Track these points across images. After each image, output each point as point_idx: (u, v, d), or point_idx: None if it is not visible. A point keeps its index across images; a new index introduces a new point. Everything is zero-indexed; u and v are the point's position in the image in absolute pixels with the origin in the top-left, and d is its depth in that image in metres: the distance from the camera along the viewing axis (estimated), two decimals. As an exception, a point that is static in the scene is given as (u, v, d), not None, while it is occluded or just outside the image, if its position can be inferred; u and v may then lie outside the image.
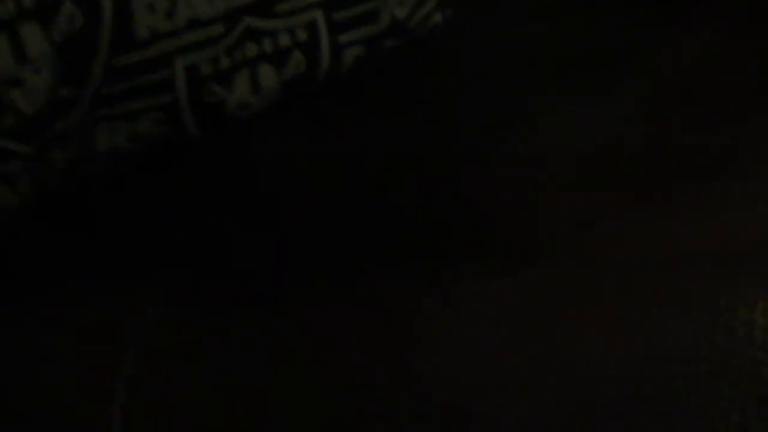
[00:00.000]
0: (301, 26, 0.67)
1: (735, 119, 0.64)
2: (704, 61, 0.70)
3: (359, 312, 0.56)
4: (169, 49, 0.63)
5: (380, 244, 0.60)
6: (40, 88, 0.60)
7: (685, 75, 0.69)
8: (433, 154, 0.66)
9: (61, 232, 0.64)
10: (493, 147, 0.66)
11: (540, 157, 0.64)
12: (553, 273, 0.56)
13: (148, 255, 0.61)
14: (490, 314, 0.55)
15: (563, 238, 0.58)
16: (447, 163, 0.65)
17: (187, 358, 0.55)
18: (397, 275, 0.58)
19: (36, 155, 0.62)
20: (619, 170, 0.63)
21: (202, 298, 0.58)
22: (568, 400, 0.50)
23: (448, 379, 0.51)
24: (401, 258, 0.59)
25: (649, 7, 0.74)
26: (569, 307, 0.54)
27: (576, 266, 0.57)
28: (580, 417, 0.50)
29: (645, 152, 0.63)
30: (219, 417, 0.52)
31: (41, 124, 0.61)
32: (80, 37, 0.61)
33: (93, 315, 0.57)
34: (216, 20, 0.64)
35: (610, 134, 0.65)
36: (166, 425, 0.52)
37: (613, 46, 0.72)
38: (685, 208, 0.59)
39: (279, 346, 0.55)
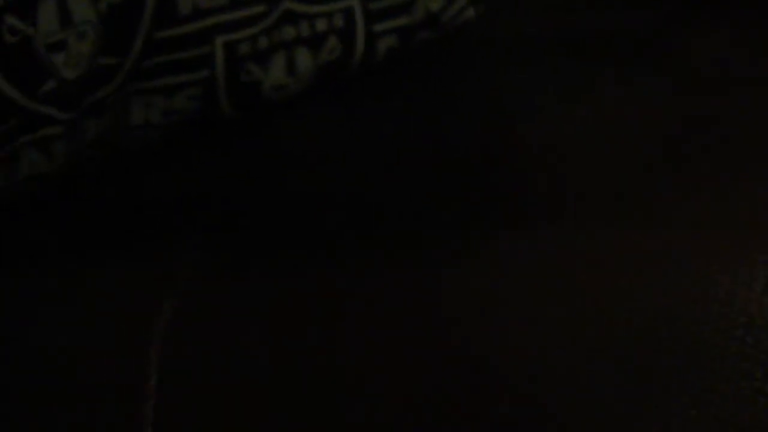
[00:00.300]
0: (338, 12, 0.68)
1: (755, 100, 0.67)
2: (720, 52, 0.74)
3: (388, 275, 0.57)
4: (210, 25, 0.64)
5: (410, 213, 0.61)
6: (82, 54, 0.60)
7: (705, 64, 0.73)
8: (464, 132, 0.68)
9: (95, 198, 0.64)
10: (519, 127, 0.68)
11: (566, 134, 0.67)
12: (582, 233, 0.58)
13: (180, 221, 0.62)
14: (521, 270, 0.56)
15: (590, 204, 0.61)
16: (477, 140, 0.67)
17: (220, 309, 0.56)
18: (427, 241, 0.59)
19: (72, 123, 0.62)
20: (645, 144, 0.65)
21: (232, 258, 0.59)
22: (606, 349, 0.51)
23: (489, 341, 0.53)
24: (432, 226, 0.60)
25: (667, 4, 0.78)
26: (601, 262, 0.56)
27: (605, 226, 0.59)
28: (617, 364, 0.51)
29: (669, 130, 0.66)
30: (252, 361, 0.53)
31: (81, 92, 0.61)
32: (125, 7, 0.61)
33: (131, 270, 0.58)
34: (257, 0, 0.65)
35: (635, 113, 0.68)
36: (202, 371, 0.52)
37: (631, 38, 0.76)
38: (712, 179, 0.62)
39: (307, 297, 0.56)
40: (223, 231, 0.62)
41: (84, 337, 0.55)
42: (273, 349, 0.53)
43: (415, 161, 0.65)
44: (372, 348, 0.53)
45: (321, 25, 0.68)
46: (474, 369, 0.51)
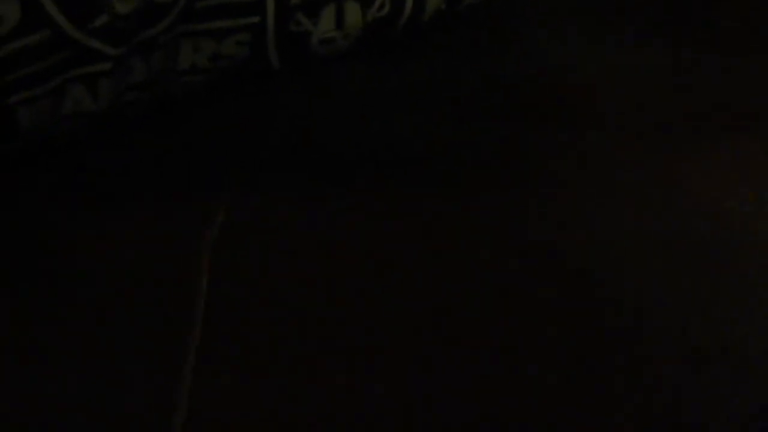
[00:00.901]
0: (389, -31, 0.68)
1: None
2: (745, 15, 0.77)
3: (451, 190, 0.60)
4: (264, -29, 0.64)
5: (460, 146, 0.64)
6: (137, -11, 0.60)
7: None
8: (512, 81, 0.70)
9: (140, 137, 0.64)
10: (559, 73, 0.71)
11: (597, 76, 0.70)
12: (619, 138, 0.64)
13: (230, 152, 0.63)
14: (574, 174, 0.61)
15: (620, 121, 0.66)
16: (523, 77, 0.70)
17: (267, 228, 0.57)
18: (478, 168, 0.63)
19: (121, 60, 0.61)
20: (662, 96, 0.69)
21: (279, 181, 0.61)
22: (662, 242, 0.55)
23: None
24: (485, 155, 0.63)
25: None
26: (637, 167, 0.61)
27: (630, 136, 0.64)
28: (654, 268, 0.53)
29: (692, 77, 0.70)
30: (299, 277, 0.53)
31: (132, 28, 0.61)
32: (181, -55, 0.61)
33: (186, 188, 0.60)
34: (310, -50, 0.65)
35: (656, 63, 0.72)
36: (249, 286, 0.53)
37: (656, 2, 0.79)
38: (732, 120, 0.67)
39: (358, 224, 0.57)
40: (261, 171, 0.62)
41: (141, 247, 0.56)
42: (323, 267, 0.54)
43: (467, 105, 0.67)
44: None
45: (371, -20, 0.68)
46: (545, 257, 0.54)
